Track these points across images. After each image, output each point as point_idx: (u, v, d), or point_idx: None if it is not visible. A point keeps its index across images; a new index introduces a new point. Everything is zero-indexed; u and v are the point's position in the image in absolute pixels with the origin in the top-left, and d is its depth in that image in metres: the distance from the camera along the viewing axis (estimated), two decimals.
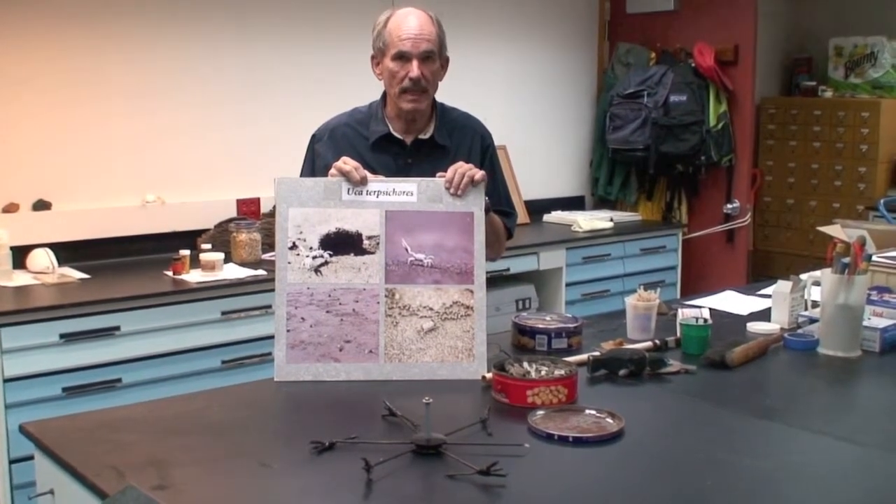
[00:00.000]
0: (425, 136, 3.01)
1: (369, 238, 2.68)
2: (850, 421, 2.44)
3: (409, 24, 2.88)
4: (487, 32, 6.03)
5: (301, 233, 2.67)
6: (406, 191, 2.71)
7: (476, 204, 2.73)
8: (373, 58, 3.00)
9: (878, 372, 2.82)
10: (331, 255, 2.67)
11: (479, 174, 2.73)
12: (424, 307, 2.67)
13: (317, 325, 2.64)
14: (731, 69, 6.12)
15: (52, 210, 4.48)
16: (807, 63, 7.31)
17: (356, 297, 2.66)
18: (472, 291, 2.69)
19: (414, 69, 2.87)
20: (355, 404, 2.47)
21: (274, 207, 2.78)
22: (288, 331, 2.64)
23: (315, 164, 3.01)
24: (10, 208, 4.38)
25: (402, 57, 2.88)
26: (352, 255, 2.67)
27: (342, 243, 2.68)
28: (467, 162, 2.81)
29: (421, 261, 2.68)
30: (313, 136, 3.09)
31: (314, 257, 2.67)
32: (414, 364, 2.64)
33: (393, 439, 2.12)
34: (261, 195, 5.02)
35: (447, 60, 3.01)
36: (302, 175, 3.02)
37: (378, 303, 2.66)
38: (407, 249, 2.68)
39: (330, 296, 2.66)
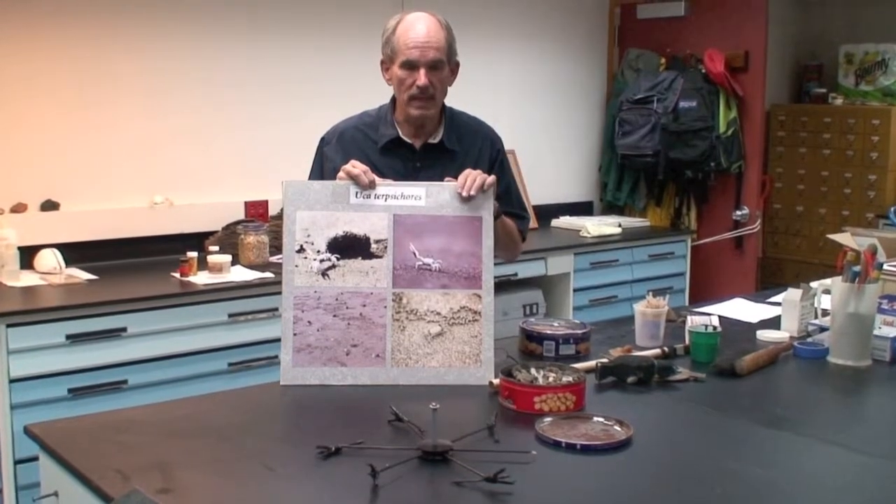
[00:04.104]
0: (435, 140, 2.99)
1: (377, 242, 2.67)
2: (860, 431, 2.43)
3: (417, 32, 2.85)
4: (497, 38, 6.02)
5: (309, 236, 2.66)
6: (414, 195, 2.70)
7: (485, 208, 2.72)
8: (382, 63, 2.98)
9: (888, 381, 2.80)
10: (338, 259, 2.66)
11: (489, 180, 2.73)
12: (432, 312, 2.66)
13: (324, 329, 2.63)
14: (742, 75, 6.11)
15: (59, 210, 4.48)
16: (817, 70, 7.29)
17: (363, 301, 2.65)
18: (479, 296, 2.68)
19: (422, 77, 2.85)
20: (361, 409, 2.46)
21: (282, 210, 2.77)
22: (294, 334, 2.63)
23: (324, 167, 3.00)
24: (18, 208, 4.38)
25: (410, 65, 2.86)
26: (359, 258, 2.66)
27: (350, 247, 2.67)
28: (476, 166, 2.81)
29: (429, 265, 2.67)
30: (322, 140, 3.07)
31: (321, 261, 2.66)
32: (421, 369, 2.63)
33: (399, 445, 2.11)
34: (269, 197, 5.02)
35: (457, 65, 2.99)
36: (311, 178, 3.01)
37: (385, 307, 2.65)
38: (415, 254, 2.67)
39: (337, 300, 2.65)
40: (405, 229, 2.68)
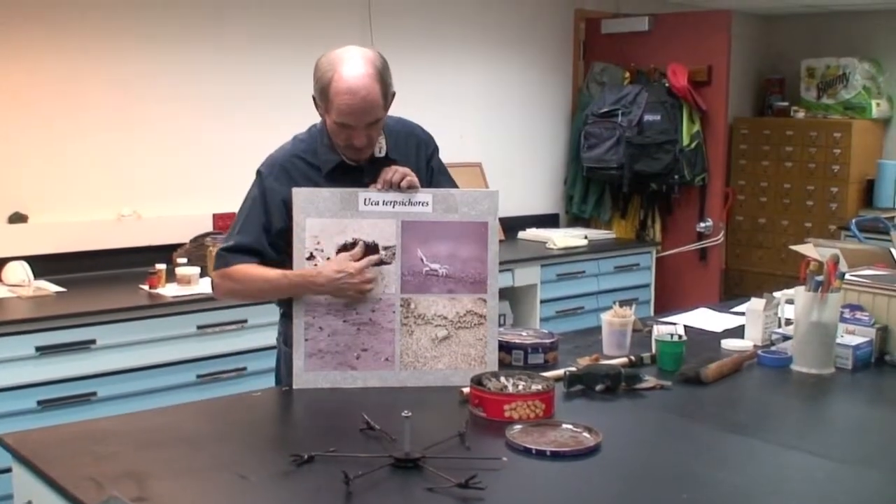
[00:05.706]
0: (381, 154, 2.83)
1: (386, 248, 2.71)
2: (822, 437, 2.48)
3: (351, 96, 2.62)
4: (464, 52, 6.06)
5: (318, 243, 2.69)
6: (422, 201, 2.73)
7: (490, 213, 2.76)
8: (314, 98, 2.76)
9: (850, 389, 2.86)
10: None
11: (407, 179, 2.72)
12: (439, 316, 2.72)
13: (334, 335, 2.69)
14: (705, 89, 6.16)
15: (28, 223, 4.46)
16: (779, 84, 7.39)
17: (373, 306, 2.70)
18: (484, 300, 2.74)
19: (359, 137, 2.69)
20: (334, 418, 2.48)
21: None
22: (306, 340, 2.68)
23: (269, 202, 2.78)
24: None
25: (346, 125, 2.69)
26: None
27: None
28: (416, 170, 2.79)
29: (436, 271, 2.72)
30: (260, 174, 2.83)
31: None
32: (428, 371, 2.71)
33: (372, 453, 2.14)
34: (237, 210, 4.99)
35: (393, 96, 2.76)
36: (252, 214, 2.83)
37: (394, 312, 2.71)
38: (422, 259, 2.72)
39: (347, 305, 2.69)
40: (413, 235, 2.72)
